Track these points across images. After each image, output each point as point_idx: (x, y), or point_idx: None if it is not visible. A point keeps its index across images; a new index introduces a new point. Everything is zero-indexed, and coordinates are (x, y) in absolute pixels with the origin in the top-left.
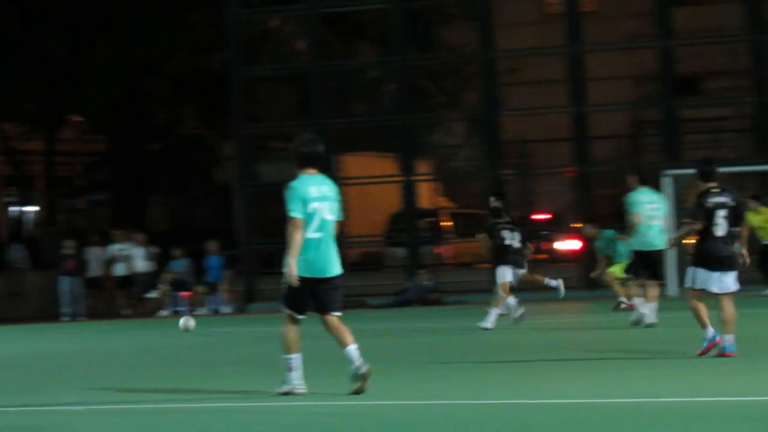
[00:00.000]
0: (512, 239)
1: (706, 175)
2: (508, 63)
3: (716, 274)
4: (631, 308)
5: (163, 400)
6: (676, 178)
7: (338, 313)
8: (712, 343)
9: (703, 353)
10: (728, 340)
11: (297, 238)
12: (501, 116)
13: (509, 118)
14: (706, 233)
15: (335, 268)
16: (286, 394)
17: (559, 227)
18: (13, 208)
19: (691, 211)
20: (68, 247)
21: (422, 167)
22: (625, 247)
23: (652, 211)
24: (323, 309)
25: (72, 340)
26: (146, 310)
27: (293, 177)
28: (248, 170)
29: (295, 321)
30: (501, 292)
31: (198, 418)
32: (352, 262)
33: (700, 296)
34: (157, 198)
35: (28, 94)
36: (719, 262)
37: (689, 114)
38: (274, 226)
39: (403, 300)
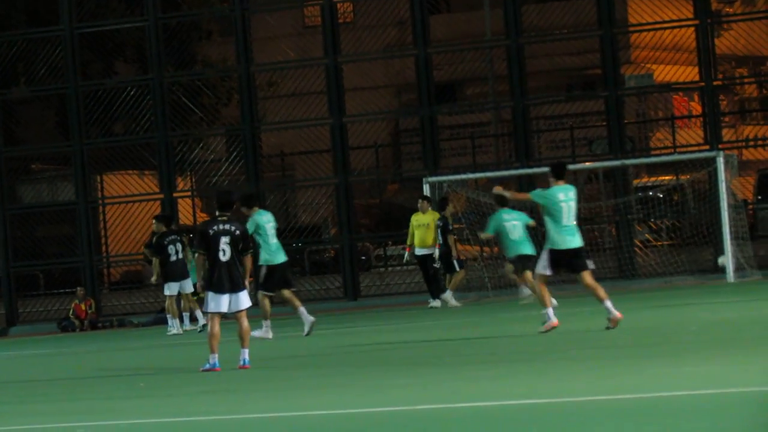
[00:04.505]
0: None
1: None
2: (267, 77)
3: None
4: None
5: None
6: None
7: None
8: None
9: (206, 370)
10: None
11: None
12: (260, 130)
13: (269, 132)
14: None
15: None
16: None
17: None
18: None
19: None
20: None
21: (184, 184)
22: None
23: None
24: None
25: None
26: None
27: (55, 198)
28: (9, 193)
29: None
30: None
31: None
32: (114, 281)
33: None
34: None
35: None
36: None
37: (449, 121)
38: (36, 248)
39: (164, 317)
